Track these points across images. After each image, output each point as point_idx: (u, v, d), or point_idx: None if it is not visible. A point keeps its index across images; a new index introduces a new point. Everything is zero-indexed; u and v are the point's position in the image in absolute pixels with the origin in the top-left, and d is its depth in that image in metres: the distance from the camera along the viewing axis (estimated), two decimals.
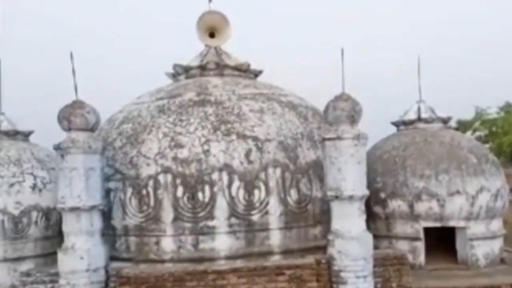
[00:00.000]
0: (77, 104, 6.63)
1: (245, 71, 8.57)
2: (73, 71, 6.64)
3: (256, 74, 8.81)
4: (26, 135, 8.62)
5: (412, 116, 8.56)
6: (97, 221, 6.54)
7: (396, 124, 8.81)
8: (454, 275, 7.19)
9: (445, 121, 8.63)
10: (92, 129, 6.72)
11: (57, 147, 6.48)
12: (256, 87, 8.00)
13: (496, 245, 7.72)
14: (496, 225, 7.83)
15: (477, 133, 18.40)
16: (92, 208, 6.43)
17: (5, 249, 7.29)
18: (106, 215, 6.88)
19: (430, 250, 7.60)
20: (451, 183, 7.54)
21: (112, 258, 6.73)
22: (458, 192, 7.51)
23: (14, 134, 8.38)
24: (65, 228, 6.44)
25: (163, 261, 6.68)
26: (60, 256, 6.34)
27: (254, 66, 8.75)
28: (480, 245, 7.57)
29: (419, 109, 8.56)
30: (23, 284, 6.46)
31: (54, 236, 7.55)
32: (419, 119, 8.47)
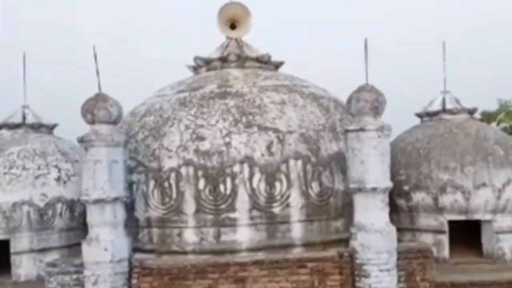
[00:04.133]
0: (100, 97, 6.68)
1: (266, 63, 8.50)
2: (96, 64, 6.68)
3: (277, 65, 8.73)
4: (50, 128, 8.77)
5: (436, 107, 8.39)
6: (120, 213, 6.60)
7: (420, 115, 8.65)
8: (480, 269, 7.05)
9: (470, 112, 8.43)
10: (115, 122, 6.77)
11: (81, 140, 6.54)
12: (278, 79, 7.93)
13: None
14: None
15: (502, 125, 17.95)
16: (115, 200, 6.49)
17: (31, 240, 7.47)
18: (129, 207, 6.94)
19: (455, 243, 7.47)
20: (477, 175, 7.38)
21: (135, 249, 6.79)
22: (484, 184, 7.35)
23: (38, 127, 8.54)
24: (89, 219, 6.53)
25: (185, 253, 6.71)
26: (84, 247, 6.43)
27: (275, 57, 8.67)
28: (506, 238, 7.40)
29: (444, 99, 8.38)
30: (49, 274, 6.56)
31: (79, 228, 7.71)
32: (444, 110, 8.30)
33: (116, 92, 6.88)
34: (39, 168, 7.78)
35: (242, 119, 7.01)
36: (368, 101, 6.48)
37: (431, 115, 8.43)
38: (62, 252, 7.61)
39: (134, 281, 6.46)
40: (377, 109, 6.52)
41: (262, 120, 7.02)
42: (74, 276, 6.53)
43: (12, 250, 7.46)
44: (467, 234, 7.70)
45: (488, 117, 17.12)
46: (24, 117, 8.50)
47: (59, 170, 7.88)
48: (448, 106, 8.29)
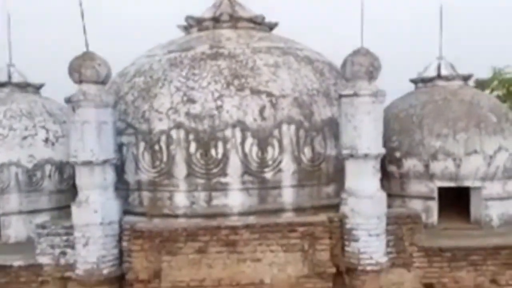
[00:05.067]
0: (88, 56, 6.47)
1: (260, 24, 8.25)
2: (83, 21, 6.44)
3: (271, 27, 8.49)
4: (37, 88, 8.55)
5: (431, 73, 8.29)
6: (110, 175, 6.52)
7: (414, 81, 8.55)
8: (467, 234, 7.15)
9: (465, 78, 8.35)
10: (103, 82, 6.58)
11: (68, 100, 6.38)
12: (271, 41, 7.72)
13: (511, 206, 7.62)
14: None
15: (495, 93, 17.93)
16: (105, 162, 6.39)
17: (20, 201, 7.41)
18: (119, 170, 6.86)
19: (444, 209, 7.55)
20: (469, 142, 7.37)
21: (126, 212, 6.76)
22: (475, 151, 7.36)
23: (25, 86, 8.32)
24: (79, 182, 6.45)
25: (176, 216, 6.69)
26: (74, 209, 6.38)
27: (269, 18, 8.43)
28: (494, 205, 7.47)
29: (439, 65, 8.26)
30: (39, 236, 6.55)
31: (68, 190, 7.64)
32: (439, 76, 8.20)
33: (104, 52, 6.67)
34: (26, 129, 7.62)
35: (234, 82, 6.86)
36: (363, 65, 6.37)
37: (425, 81, 8.33)
38: (52, 214, 7.56)
39: (124, 244, 6.47)
40: (371, 73, 6.42)
41: (255, 83, 6.88)
42: (64, 238, 6.55)
43: (1, 211, 7.40)
44: (456, 200, 7.77)
45: (482, 85, 17.05)
46: (9, 76, 8.26)
47: (47, 131, 7.74)
48: (443, 72, 8.19)
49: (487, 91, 16.07)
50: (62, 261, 6.54)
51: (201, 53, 7.26)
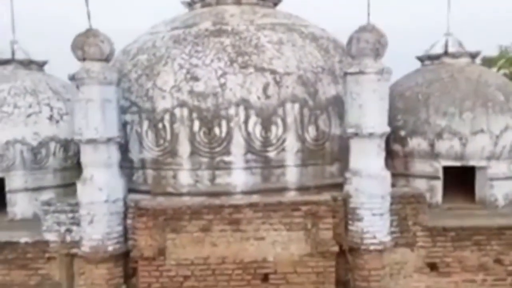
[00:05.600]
0: (91, 33, 6.40)
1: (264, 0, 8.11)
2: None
3: (276, 2, 8.33)
4: (40, 65, 8.50)
5: (438, 50, 8.12)
6: (114, 153, 6.53)
7: (421, 58, 8.40)
8: (471, 214, 7.13)
9: (473, 56, 8.19)
10: (106, 59, 6.52)
11: (72, 78, 6.35)
12: (276, 17, 7.58)
13: None
14: None
15: (502, 71, 17.68)
16: (109, 140, 6.39)
17: (25, 179, 7.45)
18: (123, 148, 6.87)
19: (448, 189, 7.51)
20: (476, 121, 7.28)
21: (130, 190, 6.78)
22: (482, 130, 7.27)
23: (28, 64, 8.27)
24: (83, 159, 6.47)
25: (180, 194, 6.72)
26: (79, 187, 6.41)
27: None
28: (500, 185, 7.42)
29: (446, 42, 8.10)
30: (45, 213, 6.61)
31: (73, 167, 7.67)
32: (446, 53, 8.05)
33: (108, 30, 6.60)
34: (30, 106, 7.61)
35: (238, 59, 6.77)
36: (369, 42, 6.25)
37: (432, 58, 8.19)
38: (57, 191, 7.61)
39: (129, 221, 6.52)
40: (378, 51, 6.30)
41: (259, 61, 6.79)
42: (70, 215, 6.59)
43: (7, 188, 7.46)
44: (461, 180, 7.73)
45: (489, 63, 16.81)
46: (13, 53, 8.21)
47: (51, 108, 7.72)
48: (451, 49, 8.02)
49: (494, 70, 15.84)
50: (68, 238, 6.60)
51: (205, 30, 7.16)
